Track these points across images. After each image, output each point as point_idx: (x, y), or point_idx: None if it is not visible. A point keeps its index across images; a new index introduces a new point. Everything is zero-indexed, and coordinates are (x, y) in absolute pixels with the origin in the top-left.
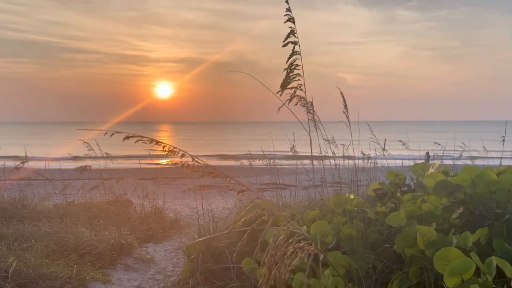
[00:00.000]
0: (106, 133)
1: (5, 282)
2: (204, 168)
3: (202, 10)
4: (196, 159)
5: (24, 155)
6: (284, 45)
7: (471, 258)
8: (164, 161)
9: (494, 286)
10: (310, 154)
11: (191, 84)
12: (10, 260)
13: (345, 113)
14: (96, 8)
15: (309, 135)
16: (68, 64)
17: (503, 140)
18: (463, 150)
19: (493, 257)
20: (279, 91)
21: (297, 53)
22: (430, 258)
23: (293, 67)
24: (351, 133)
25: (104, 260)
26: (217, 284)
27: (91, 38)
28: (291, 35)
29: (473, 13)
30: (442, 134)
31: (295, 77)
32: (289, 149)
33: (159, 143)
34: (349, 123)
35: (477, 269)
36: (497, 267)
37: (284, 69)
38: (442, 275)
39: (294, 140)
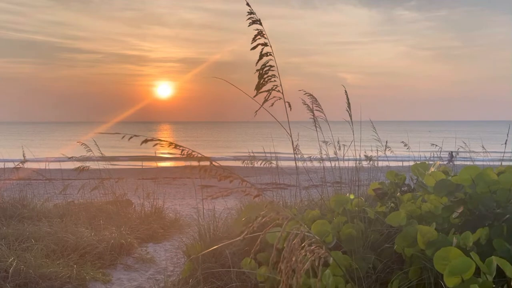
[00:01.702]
0: (123, 137)
1: (5, 282)
2: (222, 172)
3: (202, 10)
4: (214, 163)
5: (24, 156)
6: (253, 48)
7: (471, 257)
8: (165, 162)
9: (494, 286)
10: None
11: (191, 84)
12: (10, 260)
13: (348, 111)
14: (96, 8)
15: (290, 136)
16: (68, 64)
17: (506, 143)
18: (465, 151)
19: (493, 257)
20: (255, 95)
21: (269, 54)
22: (430, 258)
23: (266, 68)
24: (353, 131)
25: (104, 260)
26: (217, 284)
27: (91, 38)
28: (258, 37)
29: (473, 13)
30: (442, 134)
31: (270, 79)
32: (292, 150)
33: (178, 147)
34: (352, 122)
35: (478, 269)
36: (497, 266)
37: (257, 70)
38: (442, 275)
39: (298, 139)
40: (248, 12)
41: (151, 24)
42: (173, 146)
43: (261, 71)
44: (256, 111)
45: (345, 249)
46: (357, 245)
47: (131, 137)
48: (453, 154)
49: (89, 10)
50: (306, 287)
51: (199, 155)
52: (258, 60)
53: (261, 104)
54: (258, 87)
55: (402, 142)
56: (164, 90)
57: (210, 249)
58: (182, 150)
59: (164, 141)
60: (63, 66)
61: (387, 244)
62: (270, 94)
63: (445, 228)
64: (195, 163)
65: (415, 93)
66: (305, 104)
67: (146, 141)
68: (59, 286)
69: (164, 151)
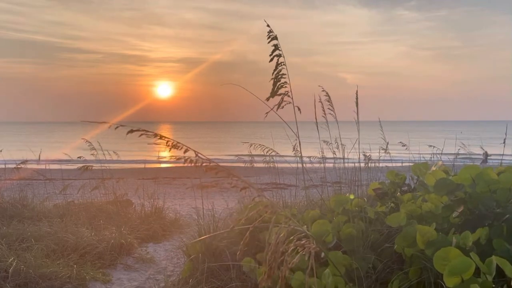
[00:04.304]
0: (109, 127)
1: (5, 282)
2: (207, 164)
3: (202, 10)
4: (199, 154)
5: (30, 156)
6: (271, 60)
7: (470, 257)
8: (165, 165)
9: (494, 286)
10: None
11: (191, 84)
12: (10, 260)
13: (356, 112)
14: (96, 8)
15: (297, 136)
16: (68, 64)
17: (504, 142)
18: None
19: (493, 257)
20: (268, 98)
21: (283, 63)
22: (430, 258)
23: (279, 76)
24: (358, 131)
25: (104, 260)
26: (217, 284)
27: (91, 38)
28: (276, 50)
29: (473, 13)
30: (442, 134)
31: (282, 85)
32: (292, 149)
33: (163, 138)
34: (358, 121)
35: (477, 268)
36: (497, 266)
37: (271, 79)
38: (442, 275)
39: (296, 139)
40: (268, 32)
41: (151, 24)
42: (158, 138)
43: (275, 79)
44: (267, 113)
45: (345, 249)
46: (357, 245)
47: (117, 127)
48: (487, 154)
49: (89, 10)
50: (305, 286)
51: (184, 147)
52: (274, 70)
53: (272, 107)
54: (272, 93)
55: (401, 142)
56: (164, 90)
57: (206, 236)
58: (167, 141)
59: (149, 132)
60: (63, 66)
61: (387, 244)
62: (282, 100)
63: (445, 228)
64: (181, 155)
65: (415, 93)
66: (321, 102)
67: (131, 131)
68: (59, 286)
69: (164, 153)
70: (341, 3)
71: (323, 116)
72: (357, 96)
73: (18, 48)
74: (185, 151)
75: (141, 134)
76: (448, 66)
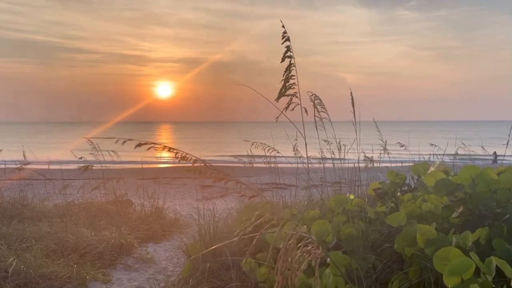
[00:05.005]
0: (117, 141)
1: (5, 282)
2: (217, 174)
3: (202, 10)
4: (208, 164)
5: (26, 157)
6: (282, 61)
7: (470, 257)
8: (165, 165)
9: (493, 286)
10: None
11: (191, 84)
12: (10, 260)
13: (353, 112)
14: (96, 8)
15: (304, 137)
16: (68, 64)
17: (507, 144)
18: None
19: (492, 257)
20: (277, 99)
21: (293, 65)
22: (430, 257)
23: (288, 77)
24: (356, 131)
25: (104, 259)
26: (217, 284)
27: (91, 38)
28: (288, 52)
29: (473, 13)
30: (442, 134)
31: (291, 86)
32: (292, 149)
33: (171, 150)
34: (355, 121)
35: (477, 268)
36: (497, 266)
37: (282, 80)
38: (442, 275)
39: (296, 139)
40: (283, 33)
41: (151, 24)
42: (167, 150)
43: (285, 80)
44: (277, 117)
45: (345, 249)
46: (357, 245)
47: (124, 141)
48: (497, 154)
49: (89, 10)
50: (306, 287)
51: (193, 158)
52: (285, 72)
53: (282, 110)
54: (281, 94)
55: (399, 143)
56: (164, 90)
57: (210, 248)
58: (176, 153)
59: (158, 144)
60: (63, 66)
61: (387, 244)
62: (291, 101)
63: (445, 228)
64: (189, 165)
65: (415, 93)
66: (314, 101)
67: (139, 145)
68: (59, 286)
69: (162, 154)
70: (341, 3)
71: (317, 116)
72: (352, 96)
73: (18, 48)
74: (194, 162)
75: (150, 148)
76: (448, 66)
